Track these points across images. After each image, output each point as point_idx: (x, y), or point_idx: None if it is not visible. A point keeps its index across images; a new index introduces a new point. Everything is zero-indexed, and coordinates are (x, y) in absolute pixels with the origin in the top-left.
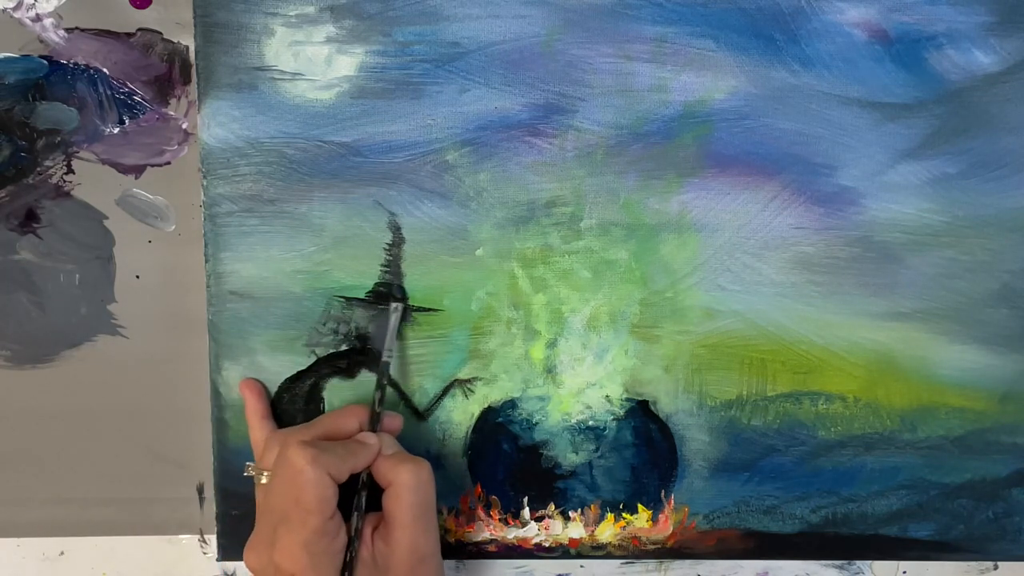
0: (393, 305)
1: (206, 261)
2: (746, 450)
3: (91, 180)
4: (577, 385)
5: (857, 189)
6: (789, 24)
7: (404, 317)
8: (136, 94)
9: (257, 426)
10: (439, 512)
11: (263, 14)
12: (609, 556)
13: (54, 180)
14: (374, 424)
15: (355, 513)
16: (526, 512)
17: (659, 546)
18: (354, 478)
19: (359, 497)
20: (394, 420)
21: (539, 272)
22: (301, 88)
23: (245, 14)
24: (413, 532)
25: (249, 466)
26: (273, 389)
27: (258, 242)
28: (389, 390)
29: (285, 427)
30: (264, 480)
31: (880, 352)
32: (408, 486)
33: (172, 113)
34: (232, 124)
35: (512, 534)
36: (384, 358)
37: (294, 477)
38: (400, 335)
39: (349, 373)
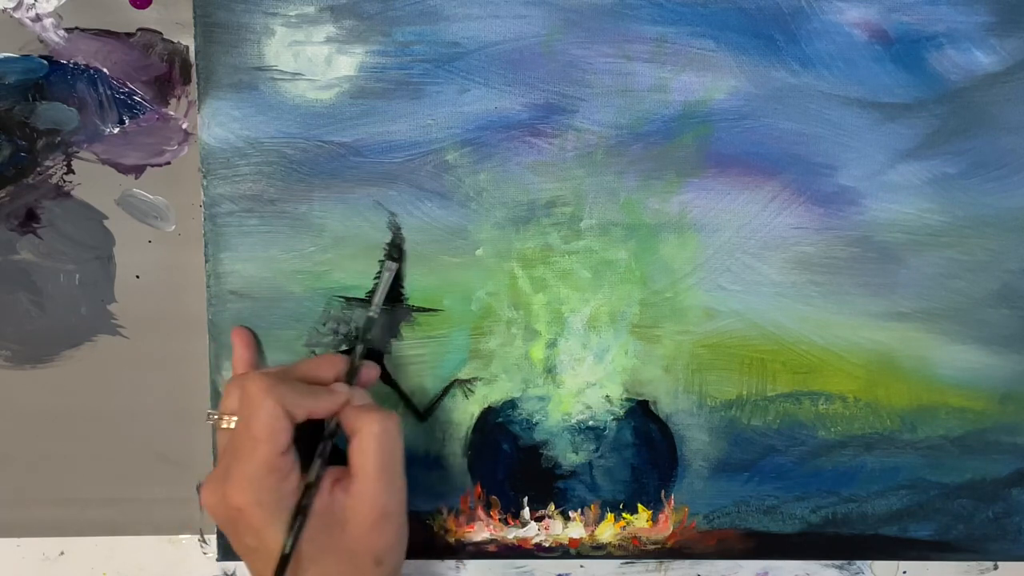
0: (387, 264)
1: (206, 261)
2: (746, 450)
3: (91, 180)
4: (577, 385)
5: (857, 189)
6: (789, 24)
7: (399, 280)
8: (136, 94)
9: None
10: (439, 512)
11: (263, 14)
12: (609, 556)
13: (54, 180)
14: (351, 377)
15: (318, 459)
16: (526, 512)
17: (659, 546)
18: (319, 427)
19: (324, 444)
20: (370, 371)
21: (539, 272)
22: (301, 88)
23: (245, 14)
24: (376, 484)
25: (211, 413)
26: None
27: (258, 242)
28: (388, 390)
29: None
30: (226, 424)
31: (880, 352)
32: (373, 434)
33: (172, 113)
34: (232, 124)
35: (512, 534)
36: (370, 313)
37: (247, 405)
38: (400, 335)
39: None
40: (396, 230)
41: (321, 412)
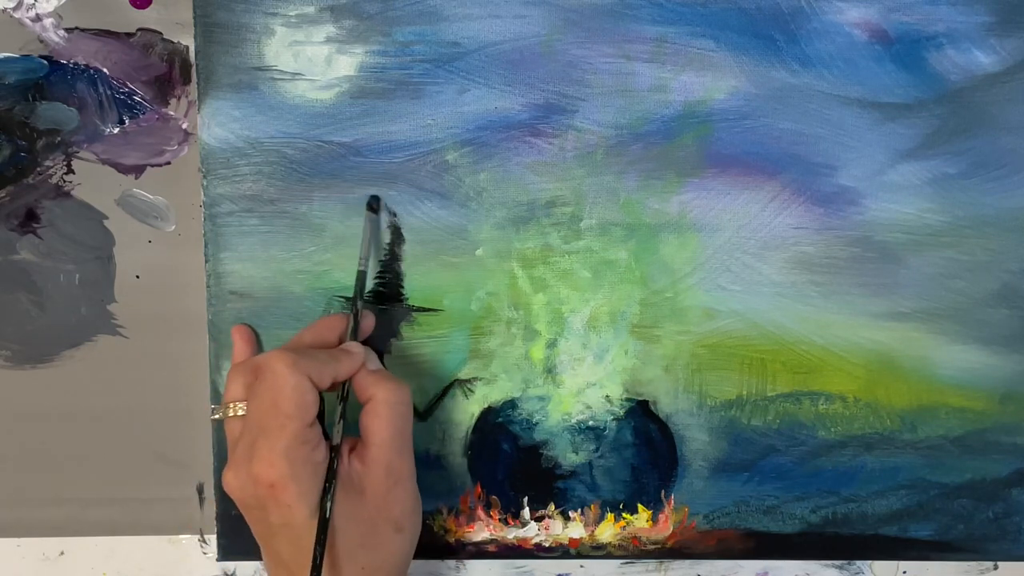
0: (367, 215)
1: (206, 261)
2: (746, 450)
3: (91, 180)
4: (577, 385)
5: (857, 189)
6: (789, 24)
7: (399, 280)
8: (136, 94)
9: None
10: (439, 512)
11: (263, 14)
12: (609, 556)
13: (54, 180)
14: (354, 334)
15: (340, 422)
16: (526, 512)
17: (659, 546)
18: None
19: (342, 406)
20: (368, 320)
21: (539, 272)
22: (301, 88)
23: (245, 14)
24: (389, 451)
25: (215, 408)
26: None
27: (258, 242)
28: None
29: None
30: (232, 413)
31: (880, 352)
32: (388, 402)
33: (172, 113)
34: (232, 124)
35: (512, 534)
36: (360, 267)
37: (273, 382)
38: (400, 335)
39: None
40: (374, 201)
41: (344, 375)
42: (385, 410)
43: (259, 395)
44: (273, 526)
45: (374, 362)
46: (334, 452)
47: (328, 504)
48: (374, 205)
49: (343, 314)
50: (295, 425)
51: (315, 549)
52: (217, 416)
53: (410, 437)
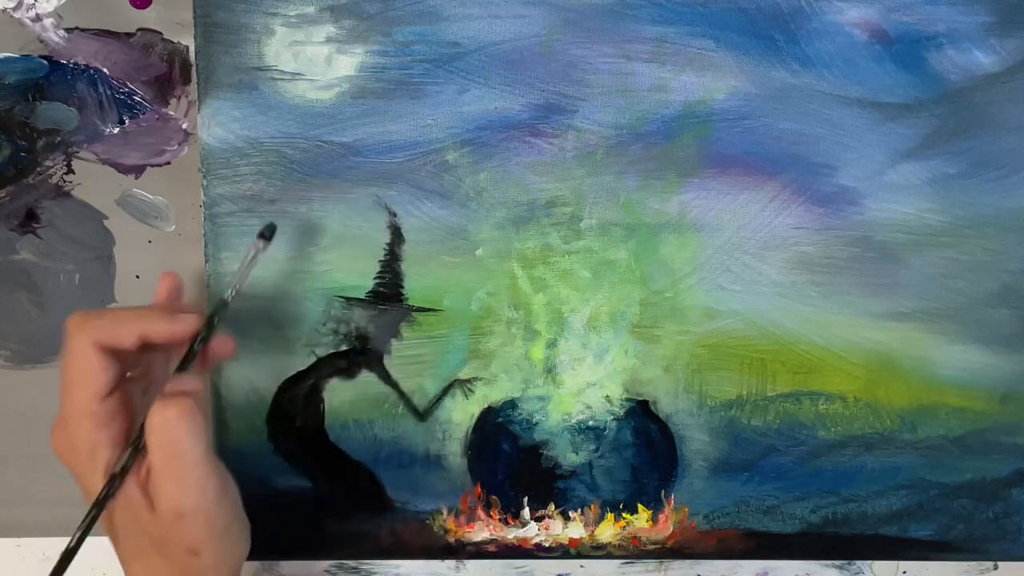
0: (256, 241)
1: (206, 261)
2: (746, 450)
3: (91, 180)
4: (577, 385)
5: (857, 189)
6: (789, 24)
7: (399, 280)
8: (136, 94)
9: None
10: (439, 512)
11: (263, 14)
12: (609, 556)
13: (54, 180)
14: (185, 362)
15: (129, 448)
16: (526, 512)
17: (659, 546)
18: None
19: (135, 432)
20: (223, 346)
21: (539, 272)
22: (301, 88)
23: (245, 14)
24: (163, 479)
25: None
26: (273, 390)
27: None
28: (388, 390)
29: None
30: None
31: (880, 352)
32: (151, 427)
33: (172, 113)
34: (232, 124)
35: (512, 534)
36: (224, 295)
37: (65, 345)
38: (400, 335)
39: (349, 373)
40: (267, 229)
41: (157, 335)
42: (150, 436)
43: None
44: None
45: (179, 382)
46: (113, 479)
47: (75, 536)
48: (266, 233)
49: (198, 315)
50: (78, 394)
51: (75, 532)
52: None
53: (191, 463)
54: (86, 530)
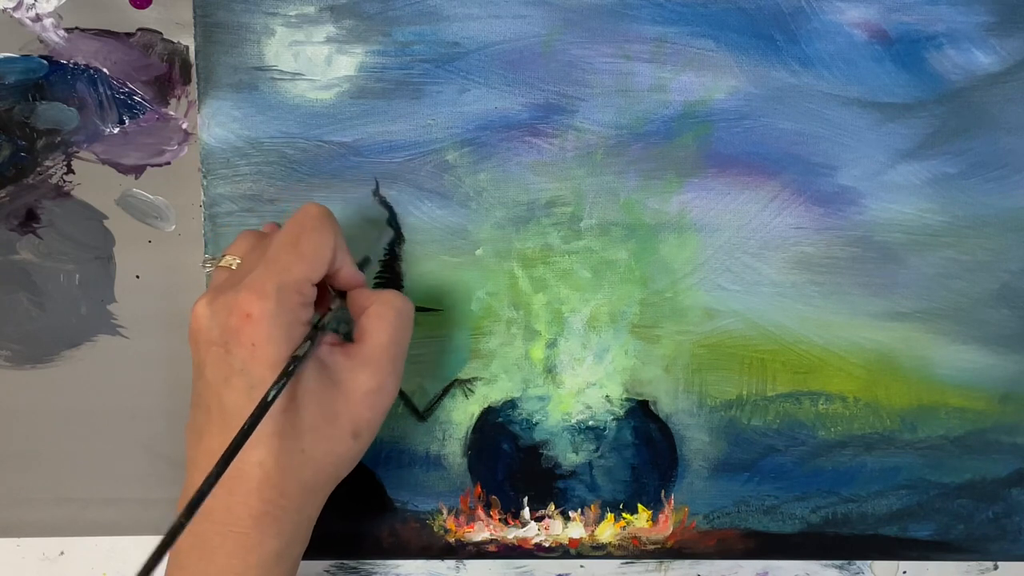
0: (379, 198)
1: None
2: (746, 450)
3: (91, 180)
4: (577, 385)
5: (857, 189)
6: (789, 24)
7: (398, 280)
8: (136, 94)
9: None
10: (439, 511)
11: (263, 14)
12: (609, 556)
13: (54, 180)
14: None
15: (334, 309)
16: (526, 512)
17: (659, 546)
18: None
19: (334, 301)
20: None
21: (539, 272)
22: (301, 88)
23: (245, 14)
24: (382, 354)
25: (208, 259)
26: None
27: None
28: None
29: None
30: (226, 264)
31: (880, 352)
32: (395, 307)
33: (172, 113)
34: (232, 124)
35: (512, 534)
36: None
37: (303, 221)
38: None
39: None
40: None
41: (346, 272)
42: (390, 312)
43: (283, 230)
44: (231, 368)
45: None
46: (316, 330)
47: (274, 391)
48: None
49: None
50: (302, 269)
51: (254, 411)
52: (208, 268)
53: (404, 356)
54: (285, 380)
